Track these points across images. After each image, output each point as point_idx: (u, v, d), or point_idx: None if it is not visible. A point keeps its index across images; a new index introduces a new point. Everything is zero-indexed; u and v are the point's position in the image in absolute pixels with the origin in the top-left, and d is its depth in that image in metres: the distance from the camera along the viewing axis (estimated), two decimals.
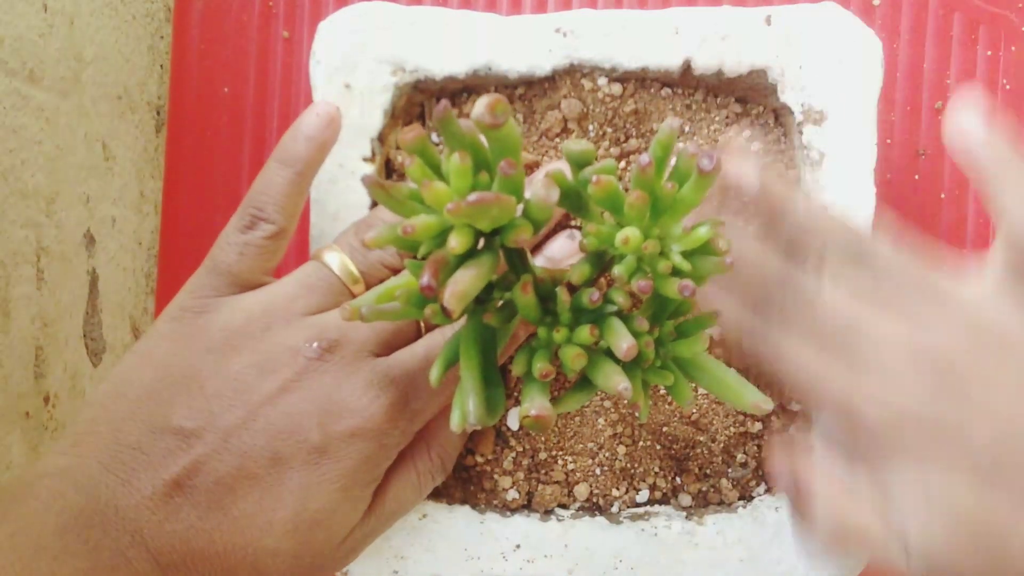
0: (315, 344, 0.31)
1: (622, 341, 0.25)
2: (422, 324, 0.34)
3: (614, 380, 0.25)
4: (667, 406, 0.37)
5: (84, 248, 0.41)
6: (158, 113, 0.47)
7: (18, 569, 0.26)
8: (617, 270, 0.25)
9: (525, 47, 0.36)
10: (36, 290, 0.38)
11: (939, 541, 0.27)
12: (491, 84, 0.37)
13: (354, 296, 0.33)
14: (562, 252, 0.35)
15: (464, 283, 0.24)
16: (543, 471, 0.37)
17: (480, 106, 0.24)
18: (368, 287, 0.33)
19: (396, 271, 0.34)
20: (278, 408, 0.30)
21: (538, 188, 0.24)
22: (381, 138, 0.37)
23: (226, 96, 0.45)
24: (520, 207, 0.25)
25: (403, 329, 0.33)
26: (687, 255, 0.25)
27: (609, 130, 0.37)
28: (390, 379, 0.31)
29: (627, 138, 0.37)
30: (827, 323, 0.29)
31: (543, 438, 0.37)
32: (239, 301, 0.32)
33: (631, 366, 0.27)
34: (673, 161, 0.26)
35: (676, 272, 0.25)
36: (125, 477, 0.29)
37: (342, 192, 0.37)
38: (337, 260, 0.33)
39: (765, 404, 0.28)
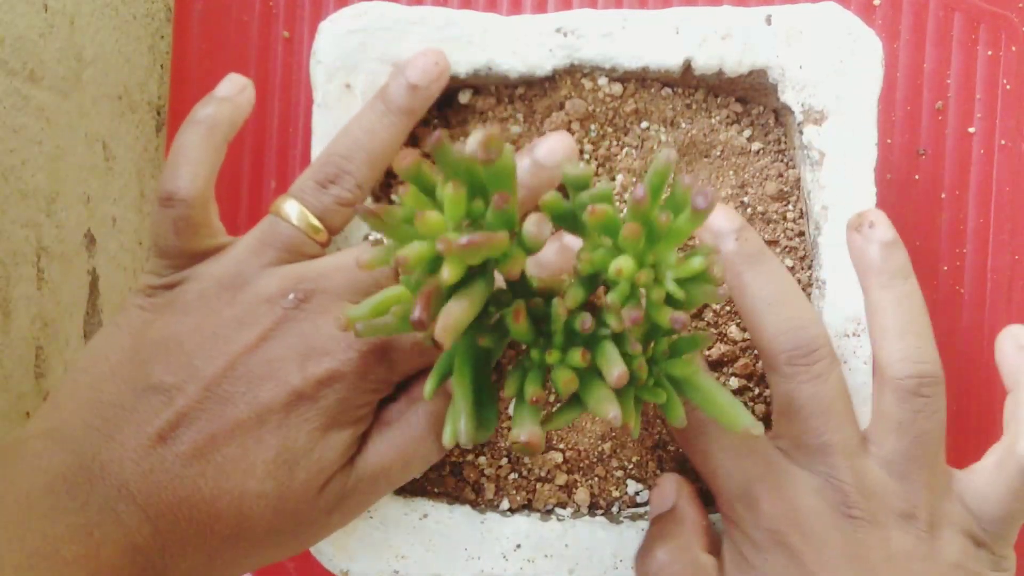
0: (291, 295, 0.32)
1: (613, 368, 0.25)
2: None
3: (605, 407, 0.26)
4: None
5: (84, 248, 0.41)
6: (158, 113, 0.47)
7: (10, 530, 0.26)
8: (610, 298, 0.25)
9: (526, 47, 0.36)
10: (36, 290, 0.38)
11: None
12: (492, 84, 0.37)
13: (318, 244, 0.34)
14: (554, 264, 0.34)
15: (455, 316, 0.24)
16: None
17: (473, 142, 0.24)
18: (330, 232, 0.34)
19: (351, 204, 0.34)
20: (258, 356, 0.31)
21: (529, 225, 0.25)
22: None
23: None
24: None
25: (381, 281, 0.33)
26: (681, 283, 0.25)
27: (610, 130, 0.37)
28: None
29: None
30: None
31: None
32: (206, 268, 0.33)
33: (624, 385, 0.27)
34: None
35: (670, 299, 0.25)
36: (108, 433, 0.29)
37: None
38: (296, 211, 0.33)
39: (755, 429, 0.28)
